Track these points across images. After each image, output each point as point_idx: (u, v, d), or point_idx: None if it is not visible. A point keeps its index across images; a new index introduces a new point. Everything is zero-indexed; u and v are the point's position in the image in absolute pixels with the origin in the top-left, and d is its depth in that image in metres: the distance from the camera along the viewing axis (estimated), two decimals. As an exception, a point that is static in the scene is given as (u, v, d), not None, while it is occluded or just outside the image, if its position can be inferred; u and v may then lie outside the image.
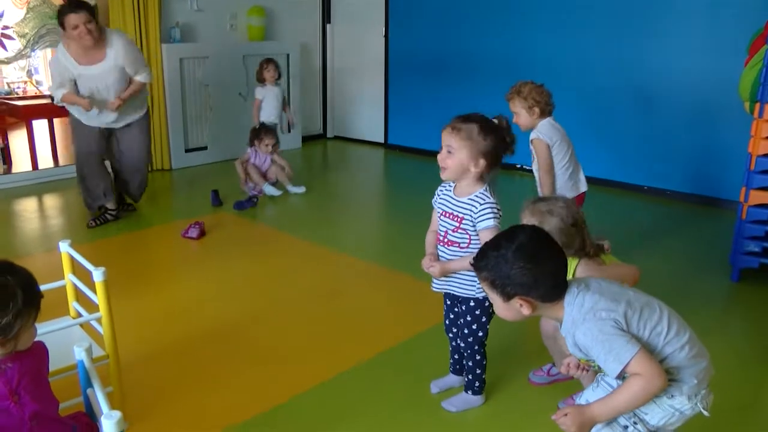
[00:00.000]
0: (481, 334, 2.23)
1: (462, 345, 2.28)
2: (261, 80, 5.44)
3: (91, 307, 2.19)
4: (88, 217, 4.39)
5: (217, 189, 4.90)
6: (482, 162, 2.05)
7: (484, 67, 5.99)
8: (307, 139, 7.22)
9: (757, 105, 3.20)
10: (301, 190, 5.19)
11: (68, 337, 2.19)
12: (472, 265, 1.61)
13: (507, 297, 1.54)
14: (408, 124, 6.77)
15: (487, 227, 2.06)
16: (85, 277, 2.20)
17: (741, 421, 2.28)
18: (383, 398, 2.40)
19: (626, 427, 1.59)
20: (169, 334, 2.86)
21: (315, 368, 2.58)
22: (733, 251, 3.42)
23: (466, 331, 2.24)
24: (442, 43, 6.28)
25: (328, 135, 7.55)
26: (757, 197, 3.26)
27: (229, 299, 3.24)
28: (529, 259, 1.50)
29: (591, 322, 1.50)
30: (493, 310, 1.96)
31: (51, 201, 5.05)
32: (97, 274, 2.02)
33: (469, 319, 2.22)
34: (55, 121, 6.36)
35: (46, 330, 1.94)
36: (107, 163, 4.49)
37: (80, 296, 2.34)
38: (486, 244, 1.60)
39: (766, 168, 3.21)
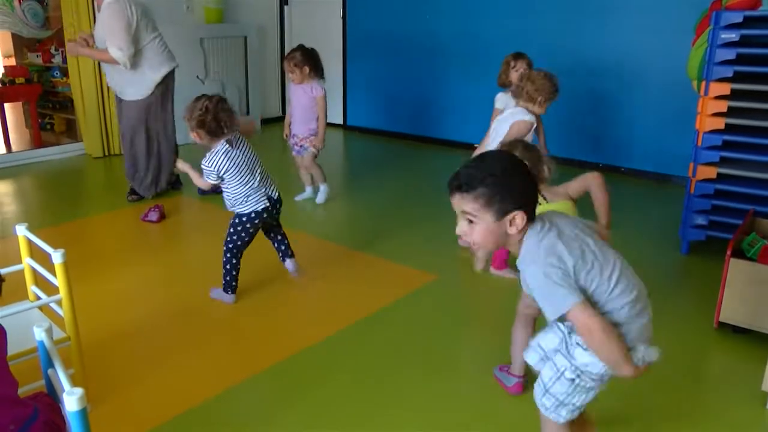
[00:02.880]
0: (229, 239, 2.93)
1: None
2: (505, 84, 3.98)
3: (51, 291, 2.18)
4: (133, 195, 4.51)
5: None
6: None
7: (442, 48, 6.03)
8: (266, 122, 7.18)
9: (703, 83, 3.31)
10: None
11: (28, 321, 2.17)
12: (457, 187, 1.55)
13: (502, 213, 1.51)
14: (366, 105, 6.79)
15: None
16: (44, 262, 2.19)
17: (687, 385, 2.40)
18: (341, 373, 2.45)
19: (573, 379, 1.62)
20: (130, 317, 2.86)
21: (277, 347, 2.62)
22: (683, 224, 3.55)
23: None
24: (400, 23, 6.29)
25: (288, 118, 7.51)
26: (704, 172, 3.38)
27: (190, 281, 3.24)
28: (513, 172, 1.54)
29: (540, 266, 1.51)
30: (243, 229, 2.89)
31: (3, 188, 4.94)
32: (56, 256, 2.01)
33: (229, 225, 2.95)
34: (6, 106, 6.22)
35: (4, 314, 1.93)
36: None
37: (39, 280, 2.32)
38: (468, 168, 1.57)
39: (712, 144, 3.33)
